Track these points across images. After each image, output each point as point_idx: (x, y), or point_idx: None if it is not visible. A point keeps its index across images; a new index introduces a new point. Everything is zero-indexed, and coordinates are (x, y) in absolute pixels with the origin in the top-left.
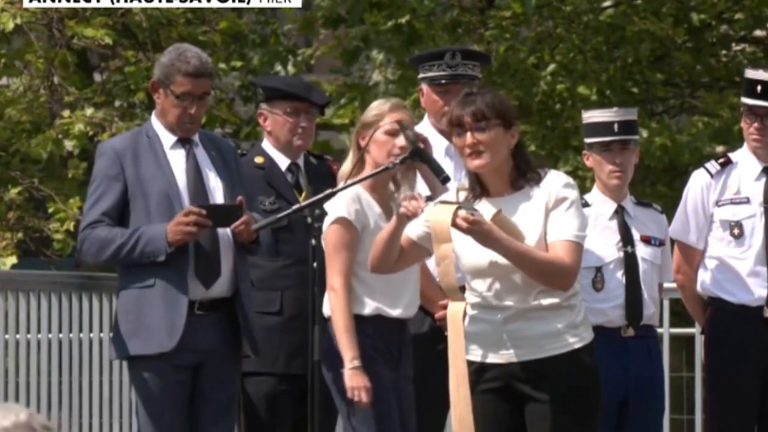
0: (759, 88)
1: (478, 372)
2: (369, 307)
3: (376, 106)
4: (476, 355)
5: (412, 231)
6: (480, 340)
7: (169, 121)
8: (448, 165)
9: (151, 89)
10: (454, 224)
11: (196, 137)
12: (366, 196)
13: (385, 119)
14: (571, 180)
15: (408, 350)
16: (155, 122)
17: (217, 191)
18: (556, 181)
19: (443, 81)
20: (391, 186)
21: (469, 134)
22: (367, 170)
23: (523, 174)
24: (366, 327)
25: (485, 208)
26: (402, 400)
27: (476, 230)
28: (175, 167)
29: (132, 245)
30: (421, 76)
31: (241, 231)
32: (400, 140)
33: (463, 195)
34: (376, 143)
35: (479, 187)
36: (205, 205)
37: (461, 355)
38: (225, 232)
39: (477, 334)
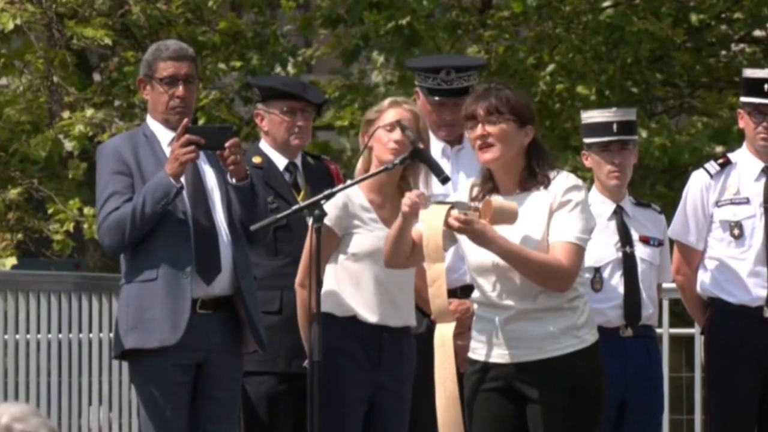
0: (766, 86)
1: (481, 371)
2: (343, 309)
3: (378, 103)
4: (479, 354)
5: None
6: (483, 339)
7: (160, 111)
8: (445, 166)
9: (139, 88)
10: (448, 224)
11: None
12: (360, 199)
13: (383, 116)
14: (579, 182)
15: (392, 355)
16: (151, 121)
17: (215, 190)
18: (563, 184)
19: (437, 97)
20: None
21: (480, 126)
22: (372, 168)
23: (533, 175)
24: (336, 328)
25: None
26: (381, 399)
27: (469, 230)
28: None
29: (142, 202)
30: (417, 83)
31: (233, 160)
32: (395, 135)
33: (476, 190)
34: (376, 140)
35: (491, 182)
36: (195, 127)
37: (451, 376)
38: (222, 227)
39: (480, 333)
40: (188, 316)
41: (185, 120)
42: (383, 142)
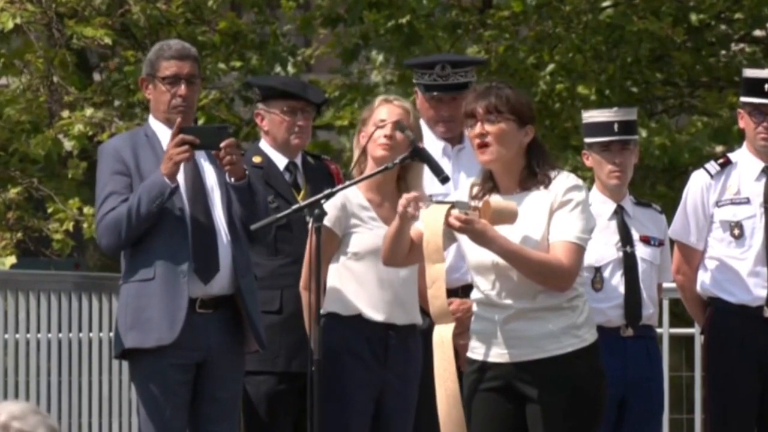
0: (766, 86)
1: (480, 371)
2: (349, 308)
3: (371, 103)
4: (479, 353)
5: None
6: (482, 339)
7: (162, 111)
8: (445, 165)
9: (141, 87)
10: (448, 223)
11: None
12: (358, 198)
13: (375, 113)
14: (579, 182)
15: (400, 354)
16: (152, 121)
17: (215, 189)
18: (563, 183)
19: (434, 93)
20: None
21: (479, 124)
22: (369, 167)
23: (533, 174)
24: (342, 327)
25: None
26: (387, 399)
27: (469, 229)
28: None
29: (138, 201)
30: (415, 80)
31: (230, 160)
32: (385, 130)
33: (476, 190)
34: (371, 139)
35: (491, 182)
36: (190, 127)
37: (452, 376)
38: (222, 226)
39: (479, 333)
40: (185, 314)
41: (178, 120)
42: (374, 138)
